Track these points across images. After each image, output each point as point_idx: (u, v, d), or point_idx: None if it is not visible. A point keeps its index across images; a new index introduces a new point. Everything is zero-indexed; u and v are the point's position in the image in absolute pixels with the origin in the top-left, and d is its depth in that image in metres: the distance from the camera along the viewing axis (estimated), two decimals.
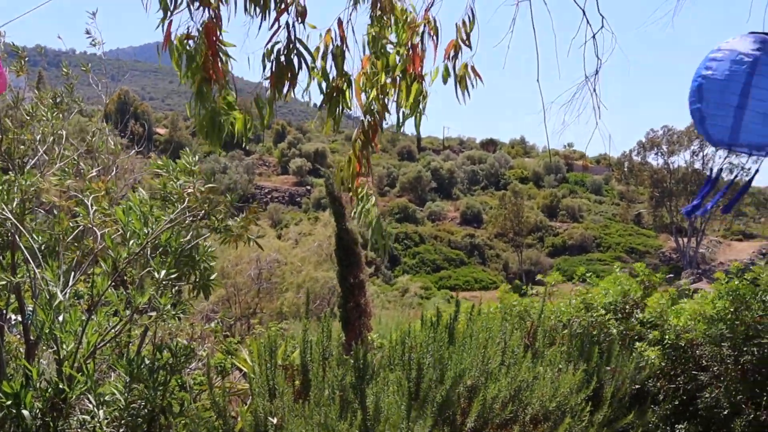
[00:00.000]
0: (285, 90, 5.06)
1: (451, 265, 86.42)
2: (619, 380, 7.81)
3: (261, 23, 4.90)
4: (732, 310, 9.45)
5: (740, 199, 4.70)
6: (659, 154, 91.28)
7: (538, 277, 12.06)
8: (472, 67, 5.32)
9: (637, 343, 9.56)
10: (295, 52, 4.97)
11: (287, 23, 4.94)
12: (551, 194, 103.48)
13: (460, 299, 8.81)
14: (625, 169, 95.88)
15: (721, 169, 4.69)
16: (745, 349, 9.34)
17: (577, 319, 9.97)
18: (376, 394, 6.15)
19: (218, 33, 4.80)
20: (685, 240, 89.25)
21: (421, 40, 5.32)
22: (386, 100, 5.37)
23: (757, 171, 4.68)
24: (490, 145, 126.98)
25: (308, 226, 50.73)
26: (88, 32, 8.33)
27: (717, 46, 4.11)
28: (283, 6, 4.86)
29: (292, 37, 4.95)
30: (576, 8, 6.04)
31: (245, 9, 4.86)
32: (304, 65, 5.06)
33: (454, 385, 6.20)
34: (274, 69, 4.98)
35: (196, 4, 4.69)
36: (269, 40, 4.94)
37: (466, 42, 5.25)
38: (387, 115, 5.46)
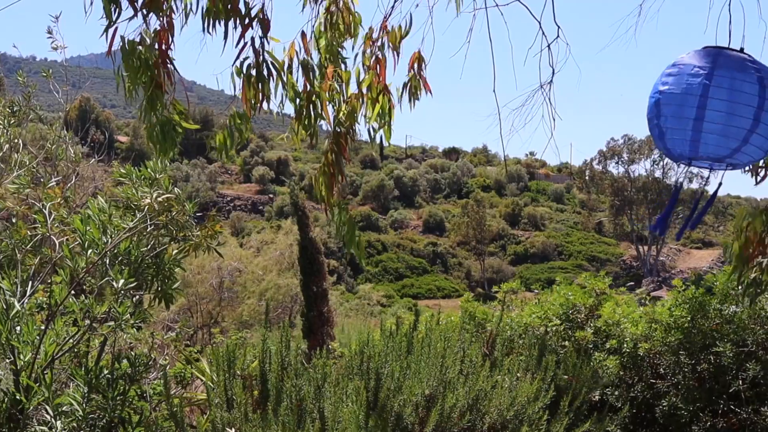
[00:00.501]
0: (259, 106, 5.08)
1: (413, 273, 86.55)
2: (577, 389, 7.87)
3: (225, 39, 4.91)
4: (689, 318, 9.57)
5: (704, 215, 4.77)
6: (620, 162, 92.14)
7: (494, 288, 12.13)
8: (424, 79, 5.38)
9: (596, 353, 9.65)
10: (265, 67, 4.99)
11: (252, 38, 4.96)
12: (513, 202, 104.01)
13: (419, 308, 8.85)
14: (587, 178, 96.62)
15: (682, 182, 4.76)
16: (702, 357, 9.45)
17: (534, 328, 10.05)
18: (334, 404, 6.17)
19: (170, 42, 4.80)
20: (646, 248, 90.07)
21: (381, 51, 5.36)
22: (354, 113, 5.41)
23: (720, 185, 4.76)
24: (452, 153, 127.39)
25: (270, 235, 50.58)
26: (50, 32, 8.28)
27: (672, 62, 4.18)
28: (248, 21, 4.87)
29: (260, 53, 4.97)
30: (533, 19, 6.12)
31: (203, 28, 4.86)
32: (275, 80, 5.08)
33: (412, 394, 6.23)
34: (245, 86, 5.00)
35: (144, 12, 4.68)
36: (237, 57, 4.95)
37: (396, 47, 5.30)
38: (356, 126, 5.50)
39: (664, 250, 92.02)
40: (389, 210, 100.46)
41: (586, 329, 10.24)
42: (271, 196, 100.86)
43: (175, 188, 7.51)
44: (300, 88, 5.27)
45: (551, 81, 6.38)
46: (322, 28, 5.29)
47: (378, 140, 5.52)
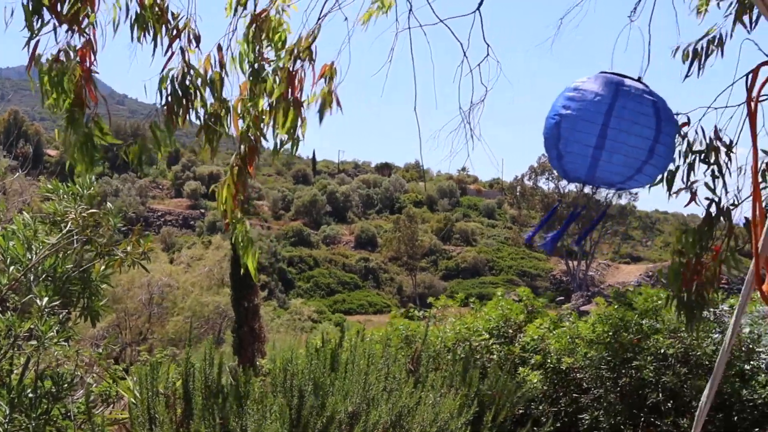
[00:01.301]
0: (182, 118, 5.08)
1: (345, 288, 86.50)
2: (501, 404, 7.96)
3: (154, 48, 4.91)
4: (611, 333, 9.74)
5: (591, 231, 4.91)
6: (550, 178, 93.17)
7: (430, 300, 12.20)
8: (335, 94, 5.42)
9: (520, 368, 9.78)
10: (189, 79, 4.99)
11: (180, 49, 4.96)
12: (445, 218, 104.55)
13: (351, 323, 8.87)
14: (517, 194, 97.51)
15: (560, 201, 4.88)
16: (623, 371, 9.63)
17: (461, 343, 10.15)
18: (257, 422, 6.16)
19: (92, 57, 4.79)
20: (575, 263, 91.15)
21: (300, 64, 5.39)
22: (263, 127, 5.42)
23: (608, 205, 4.90)
24: (385, 168, 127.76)
25: (201, 250, 50.23)
26: None
27: (573, 85, 4.28)
28: (175, 33, 4.88)
29: (186, 65, 4.98)
30: (474, 37, 6.23)
31: (132, 37, 4.86)
32: (197, 92, 5.08)
33: (335, 411, 6.25)
34: (169, 98, 4.99)
35: (65, 26, 4.66)
36: (164, 68, 4.95)
37: (305, 53, 5.34)
38: (264, 141, 5.51)
39: (593, 265, 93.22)
40: (321, 225, 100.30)
41: (514, 344, 10.37)
42: (202, 211, 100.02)
43: (108, 203, 7.44)
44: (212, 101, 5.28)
45: (483, 99, 6.49)
46: (244, 39, 5.31)
47: (284, 153, 5.53)
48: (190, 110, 5.15)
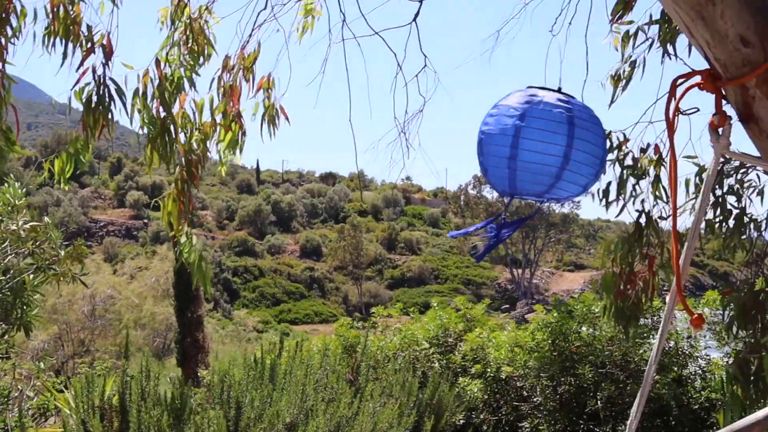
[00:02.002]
0: (99, 133, 5.02)
1: (290, 298, 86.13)
2: (440, 413, 8.00)
3: (63, 61, 4.87)
4: (550, 341, 9.83)
5: (497, 242, 4.95)
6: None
7: (373, 310, 12.22)
8: (280, 107, 5.43)
9: (461, 377, 9.83)
10: (107, 93, 4.95)
11: (93, 66, 4.92)
12: (390, 227, 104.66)
13: (296, 333, 8.85)
14: (462, 203, 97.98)
15: (505, 210, 4.92)
16: (563, 379, 9.73)
17: (401, 353, 10.18)
18: None
19: (2, 65, 4.74)
20: (520, 271, 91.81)
21: (236, 78, 5.39)
22: (207, 140, 5.41)
23: (528, 217, 4.96)
24: (329, 178, 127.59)
25: (145, 261, 49.69)
26: None
27: (496, 102, 4.35)
28: (90, 46, 4.84)
29: (102, 79, 4.93)
30: (409, 48, 6.26)
31: (43, 43, 4.82)
32: (120, 106, 5.04)
33: (272, 423, 6.24)
34: (85, 112, 4.94)
35: None
36: (77, 82, 4.90)
37: (249, 70, 5.35)
38: (209, 153, 5.49)
39: (538, 273, 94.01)
40: (266, 235, 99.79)
41: (455, 353, 10.42)
42: (145, 221, 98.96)
43: (45, 216, 7.36)
44: (155, 113, 5.24)
45: (421, 110, 6.53)
46: (175, 53, 5.29)
47: (227, 165, 5.53)
48: (109, 125, 5.10)
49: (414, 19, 6.25)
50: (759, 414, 3.07)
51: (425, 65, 6.38)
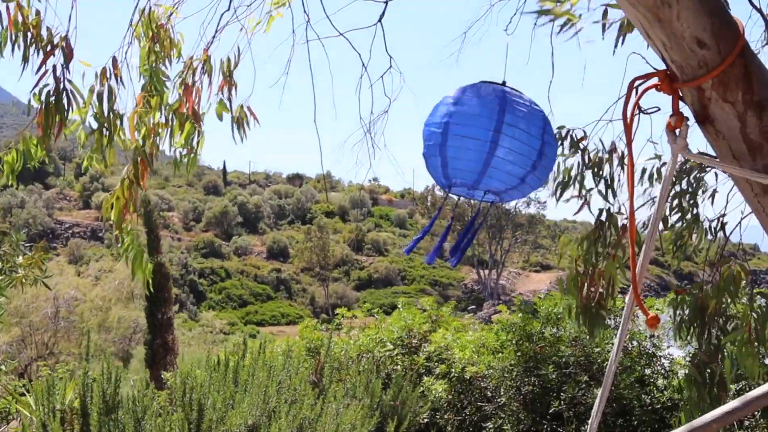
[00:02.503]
0: (55, 133, 4.99)
1: (257, 300, 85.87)
2: (403, 414, 8.00)
3: (23, 66, 4.83)
4: (514, 342, 9.87)
5: (470, 243, 4.96)
6: None
7: (340, 311, 12.20)
8: (249, 108, 5.41)
9: (425, 378, 9.83)
10: (66, 94, 4.91)
11: (54, 66, 4.88)
12: (357, 228, 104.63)
13: (263, 335, 8.82)
14: (428, 203, 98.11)
15: (476, 216, 4.93)
16: (526, 379, 9.76)
17: (365, 354, 10.17)
18: None
19: None
20: (486, 272, 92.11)
21: (195, 77, 5.36)
22: (158, 140, 5.37)
23: (480, 218, 4.96)
24: (296, 179, 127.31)
25: (110, 263, 49.35)
26: None
27: (454, 93, 4.36)
28: (50, 49, 4.80)
29: (62, 80, 4.89)
30: (373, 48, 6.26)
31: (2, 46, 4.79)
32: (75, 106, 5.00)
33: (234, 425, 6.21)
34: (42, 112, 4.90)
35: None
36: (36, 84, 4.86)
37: (228, 78, 5.33)
38: (164, 154, 5.47)
39: (504, 274, 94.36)
40: (233, 236, 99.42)
41: (419, 354, 10.43)
42: (111, 223, 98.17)
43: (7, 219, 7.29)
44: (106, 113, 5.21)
45: (386, 111, 6.53)
46: (141, 52, 5.26)
47: (183, 165, 5.50)
48: (65, 124, 5.06)
49: (380, 20, 6.25)
50: (716, 412, 3.10)
51: (390, 66, 6.38)
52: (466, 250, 5.04)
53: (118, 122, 5.27)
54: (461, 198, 4.76)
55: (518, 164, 4.22)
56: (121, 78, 5.19)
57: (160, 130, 5.33)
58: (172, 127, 5.27)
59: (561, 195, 5.82)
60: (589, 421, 3.48)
